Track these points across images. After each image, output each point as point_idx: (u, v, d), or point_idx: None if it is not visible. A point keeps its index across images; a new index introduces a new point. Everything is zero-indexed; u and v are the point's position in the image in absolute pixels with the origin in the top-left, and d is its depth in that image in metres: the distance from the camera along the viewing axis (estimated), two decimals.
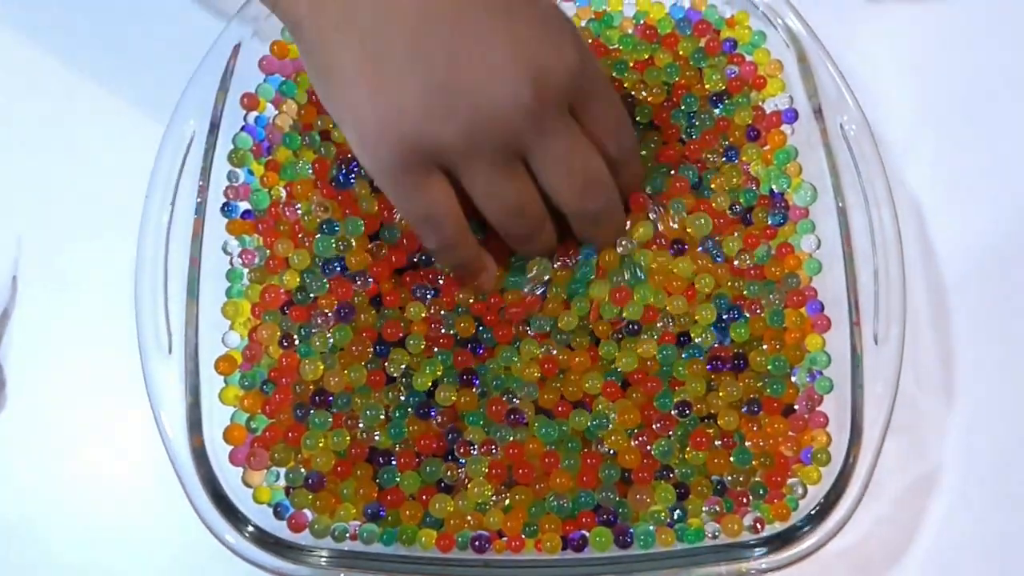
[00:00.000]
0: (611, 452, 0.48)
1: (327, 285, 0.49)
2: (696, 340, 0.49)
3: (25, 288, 0.58)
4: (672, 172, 0.52)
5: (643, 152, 0.52)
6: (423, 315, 0.49)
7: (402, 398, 0.48)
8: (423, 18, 0.41)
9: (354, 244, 0.50)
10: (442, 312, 0.49)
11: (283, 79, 0.54)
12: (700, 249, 0.50)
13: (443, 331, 0.49)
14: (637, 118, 0.53)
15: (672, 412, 0.48)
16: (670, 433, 0.48)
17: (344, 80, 0.43)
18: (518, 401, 0.48)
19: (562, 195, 0.46)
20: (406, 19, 0.42)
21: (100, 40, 0.63)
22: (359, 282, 0.50)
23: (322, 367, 0.48)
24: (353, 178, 0.52)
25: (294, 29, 0.44)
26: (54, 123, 0.61)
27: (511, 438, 0.47)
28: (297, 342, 0.49)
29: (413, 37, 0.41)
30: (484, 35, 0.41)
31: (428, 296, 0.50)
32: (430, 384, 0.48)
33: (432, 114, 0.42)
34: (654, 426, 0.48)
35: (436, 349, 0.49)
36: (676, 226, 0.51)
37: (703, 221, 0.50)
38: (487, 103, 0.41)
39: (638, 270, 0.50)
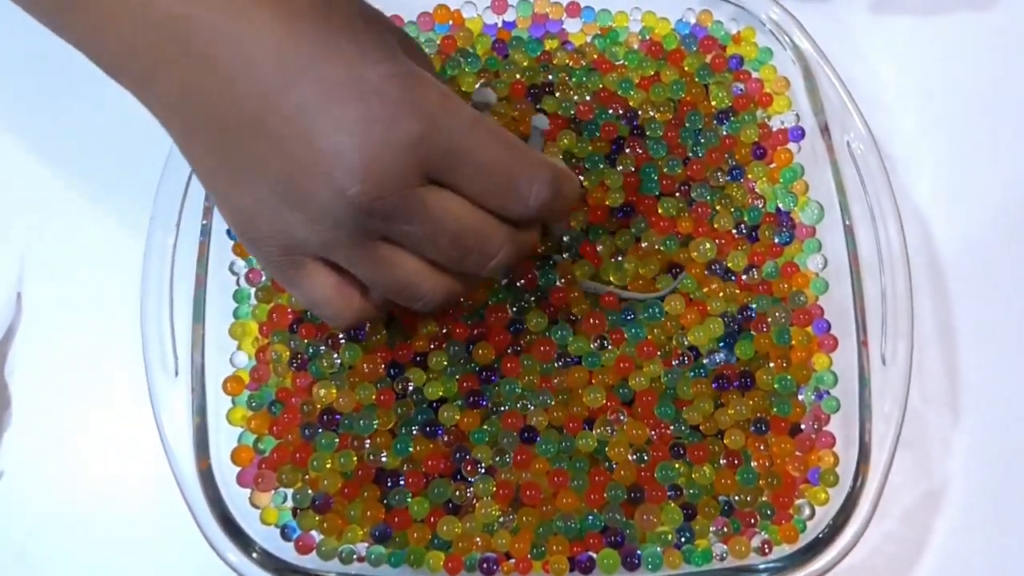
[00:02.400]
0: (614, 465, 0.48)
1: None
2: (704, 360, 0.50)
3: (30, 305, 0.58)
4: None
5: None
6: (441, 331, 0.49)
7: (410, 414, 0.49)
8: (245, 121, 0.38)
9: None
10: (454, 348, 0.49)
11: None
12: (707, 273, 0.51)
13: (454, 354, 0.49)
14: (648, 133, 0.53)
15: (670, 429, 0.48)
16: (675, 447, 0.48)
17: (197, 172, 0.42)
18: (532, 408, 0.48)
19: (440, 262, 0.42)
20: (226, 122, 0.39)
21: None
22: None
23: (335, 391, 0.48)
24: None
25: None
26: (59, 138, 0.61)
27: (510, 457, 0.47)
28: (307, 360, 0.49)
29: (239, 143, 0.39)
30: (307, 135, 0.37)
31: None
32: (440, 394, 0.48)
33: (277, 218, 0.39)
34: (651, 434, 0.48)
35: (447, 365, 0.49)
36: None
37: (707, 246, 0.50)
38: (319, 206, 0.38)
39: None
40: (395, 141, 0.37)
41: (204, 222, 0.51)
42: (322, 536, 0.47)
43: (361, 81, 0.37)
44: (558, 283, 0.50)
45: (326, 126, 0.37)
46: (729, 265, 0.51)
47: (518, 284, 0.51)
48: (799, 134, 0.53)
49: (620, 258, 0.51)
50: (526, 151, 0.41)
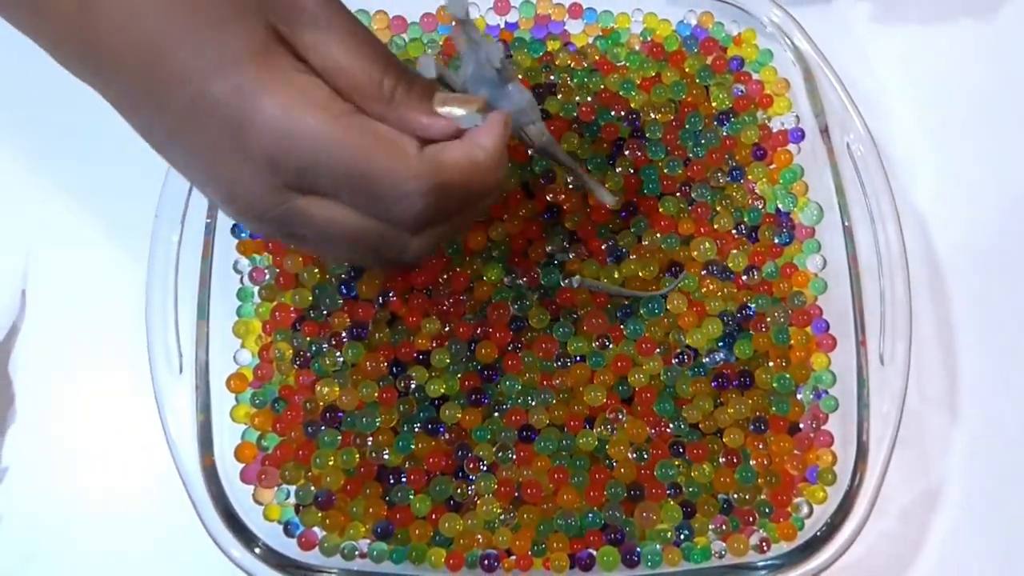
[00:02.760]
0: (614, 463, 0.48)
1: (340, 301, 0.50)
2: (703, 359, 0.50)
3: (34, 302, 0.58)
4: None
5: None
6: (444, 329, 0.50)
7: (412, 412, 0.49)
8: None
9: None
10: (456, 346, 0.50)
11: None
12: (704, 272, 0.51)
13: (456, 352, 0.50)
14: (647, 134, 0.53)
15: (668, 428, 0.49)
16: (675, 445, 0.49)
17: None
18: (533, 405, 0.49)
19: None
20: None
21: None
22: (379, 301, 0.51)
23: (338, 389, 0.49)
24: None
25: None
26: (64, 136, 0.61)
27: (512, 453, 0.48)
28: (311, 358, 0.50)
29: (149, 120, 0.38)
30: (183, 163, 0.39)
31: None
32: (442, 391, 0.49)
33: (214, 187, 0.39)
34: (651, 432, 0.49)
35: (449, 363, 0.49)
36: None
37: (707, 245, 0.51)
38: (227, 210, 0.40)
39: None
40: (245, 163, 0.36)
41: (208, 220, 0.51)
42: (324, 532, 0.48)
43: (200, 99, 0.36)
44: (562, 283, 0.51)
45: (177, 157, 0.38)
46: (729, 265, 0.51)
47: (520, 282, 0.51)
48: (799, 135, 0.53)
49: (622, 257, 0.52)
50: (394, 158, 0.37)
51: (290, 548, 0.47)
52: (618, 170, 0.53)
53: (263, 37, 0.36)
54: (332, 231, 0.39)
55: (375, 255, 0.40)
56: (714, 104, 0.55)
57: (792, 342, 0.50)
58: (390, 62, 0.38)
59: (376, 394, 0.49)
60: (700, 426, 0.49)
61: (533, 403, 0.49)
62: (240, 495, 0.48)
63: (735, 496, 0.48)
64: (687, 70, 0.55)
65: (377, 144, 0.37)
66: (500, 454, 0.48)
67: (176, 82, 0.36)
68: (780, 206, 0.53)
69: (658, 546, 0.47)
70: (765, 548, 0.47)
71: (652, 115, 0.54)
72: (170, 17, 0.35)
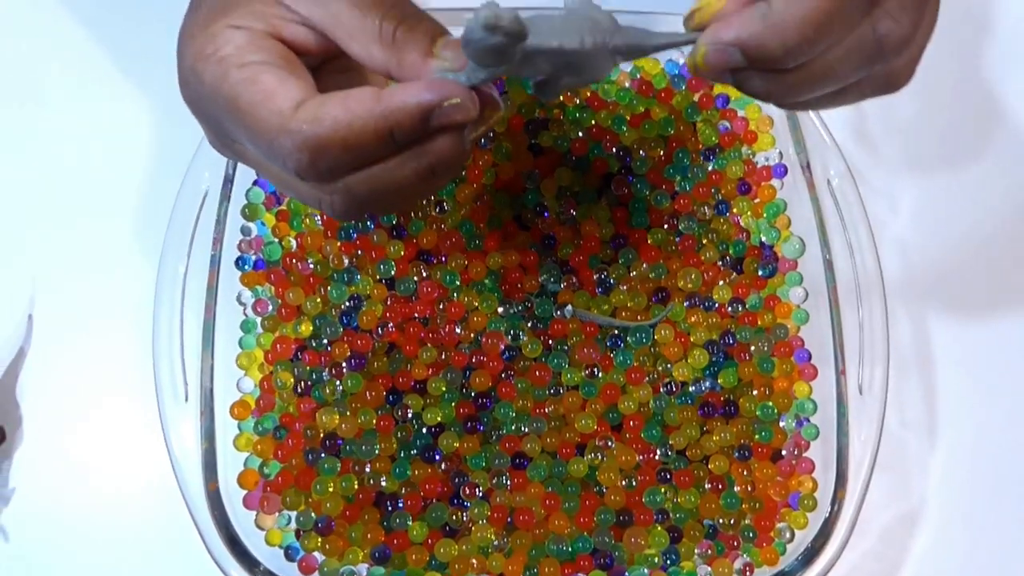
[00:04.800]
0: (604, 489, 0.50)
1: (341, 331, 0.52)
2: (690, 388, 0.52)
3: (41, 327, 0.59)
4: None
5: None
6: (440, 358, 0.51)
7: (409, 439, 0.50)
8: None
9: (369, 295, 0.52)
10: (451, 374, 0.51)
11: None
12: (687, 304, 0.53)
13: (451, 380, 0.51)
14: (636, 169, 0.55)
15: (656, 455, 0.50)
16: (662, 472, 0.50)
17: None
18: (526, 432, 0.50)
19: None
20: None
21: (122, 85, 0.63)
22: (378, 332, 0.52)
23: (337, 417, 0.50)
24: (371, 224, 0.54)
25: None
26: (73, 164, 0.62)
27: (507, 478, 0.49)
28: (311, 386, 0.51)
29: None
30: None
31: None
32: (439, 419, 0.50)
33: None
34: (639, 458, 0.50)
35: (445, 391, 0.51)
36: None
37: (693, 276, 0.52)
38: None
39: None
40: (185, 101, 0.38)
41: (213, 252, 0.52)
42: (324, 557, 0.49)
43: (181, 34, 0.38)
44: (555, 314, 0.52)
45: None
46: (714, 296, 0.53)
47: (514, 312, 0.53)
48: (782, 171, 0.55)
49: (611, 287, 0.53)
50: (266, 111, 0.35)
51: (291, 572, 0.49)
52: (604, 203, 0.54)
53: None
54: (262, 172, 0.39)
55: (305, 199, 0.39)
56: (701, 140, 0.56)
57: (775, 371, 0.52)
58: (391, 5, 0.36)
59: (374, 422, 0.50)
60: (686, 453, 0.51)
61: (526, 430, 0.51)
62: (243, 520, 0.49)
63: (720, 521, 0.50)
64: (675, 107, 0.56)
65: (254, 98, 0.35)
66: (495, 480, 0.50)
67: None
68: (764, 239, 0.54)
69: (646, 570, 0.49)
70: (748, 573, 0.49)
71: (641, 151, 0.55)
72: None
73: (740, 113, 0.56)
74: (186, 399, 0.51)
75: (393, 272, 0.53)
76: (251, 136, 0.36)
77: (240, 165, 0.53)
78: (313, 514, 0.49)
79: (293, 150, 0.35)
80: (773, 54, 0.34)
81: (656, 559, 0.49)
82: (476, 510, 0.49)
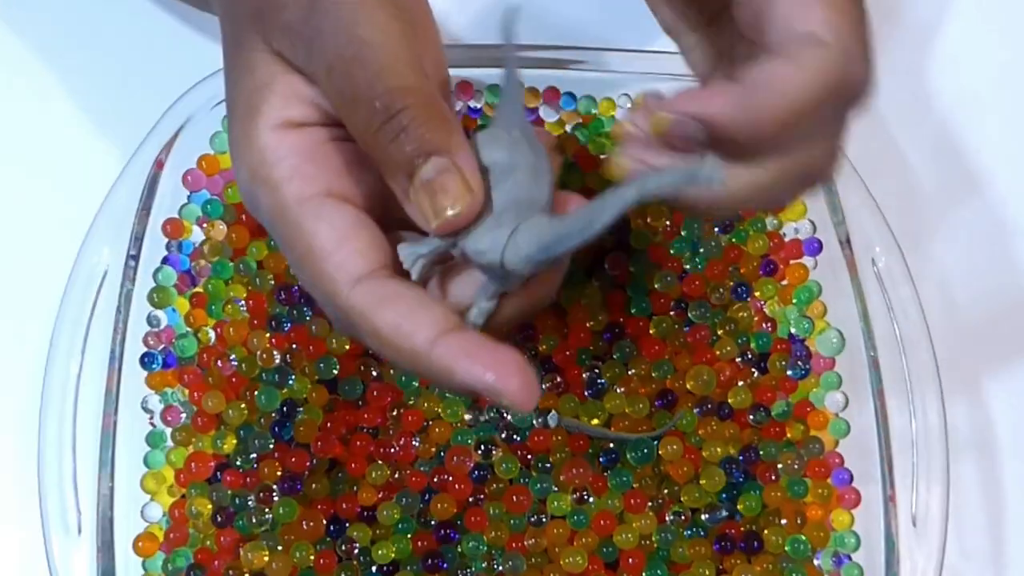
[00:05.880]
0: None
1: (271, 445, 0.45)
2: (703, 516, 0.45)
3: None
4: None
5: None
6: (393, 478, 0.45)
7: None
8: None
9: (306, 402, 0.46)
10: (406, 499, 0.45)
11: (209, 196, 0.48)
12: (697, 411, 0.46)
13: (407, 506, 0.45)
14: (635, 243, 0.48)
15: None
16: None
17: None
18: (500, 570, 0.44)
19: None
20: None
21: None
22: (317, 446, 0.45)
23: (266, 553, 0.43)
24: (308, 310, 0.47)
25: None
26: None
27: None
28: (234, 514, 0.44)
29: None
30: None
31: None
32: (392, 556, 0.44)
33: None
34: None
35: (399, 520, 0.44)
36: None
37: (706, 377, 0.46)
38: None
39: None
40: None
41: (113, 347, 0.46)
42: None
43: (229, 141, 0.36)
44: (535, 423, 0.46)
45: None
46: (732, 403, 0.46)
47: (484, 419, 0.46)
48: (816, 247, 0.48)
49: (605, 390, 0.47)
50: (323, 278, 0.34)
51: None
52: (596, 283, 0.48)
53: (262, 74, 0.34)
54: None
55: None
56: None
57: (808, 496, 0.45)
58: (376, 95, 0.32)
59: (312, 559, 0.44)
60: None
61: (500, 569, 0.44)
62: None
63: None
64: None
65: (310, 251, 0.33)
66: None
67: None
68: (793, 331, 0.48)
69: None
70: None
71: (640, 220, 0.48)
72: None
73: None
74: (79, 531, 0.45)
75: (336, 371, 0.46)
76: (301, 276, 0.34)
77: (146, 239, 0.47)
78: None
79: (337, 321, 0.35)
80: (739, 137, 0.32)
81: None
82: None
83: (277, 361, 0.46)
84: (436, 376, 0.32)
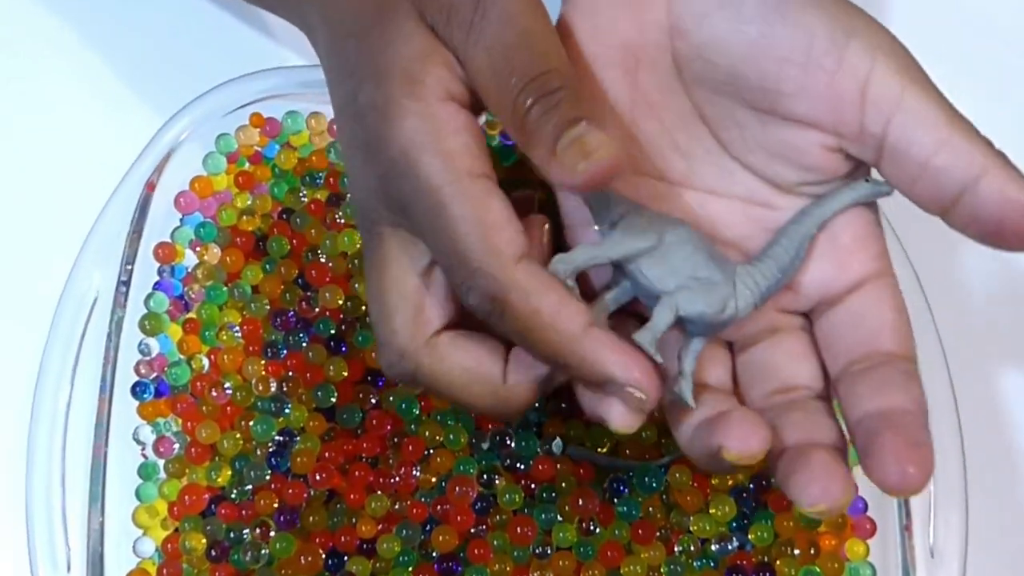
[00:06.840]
0: None
1: (267, 476, 0.44)
2: (712, 546, 0.44)
3: None
4: None
5: None
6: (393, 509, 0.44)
7: None
8: None
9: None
10: (407, 531, 0.43)
11: (202, 219, 0.47)
12: None
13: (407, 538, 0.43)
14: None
15: None
16: None
17: None
18: None
19: None
20: None
21: None
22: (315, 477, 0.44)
23: None
24: (304, 337, 0.46)
25: None
26: None
27: None
28: (229, 549, 0.43)
29: None
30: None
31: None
32: None
33: None
34: None
35: (399, 553, 0.43)
36: None
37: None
38: None
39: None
40: (361, 181, 0.36)
41: (104, 376, 0.45)
42: None
43: (351, 103, 0.36)
44: (540, 451, 0.44)
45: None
46: None
47: (485, 446, 0.45)
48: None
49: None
50: (492, 253, 0.34)
51: None
52: None
53: (421, 44, 0.35)
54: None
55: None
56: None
57: (822, 526, 0.44)
58: (532, 68, 0.33)
59: None
60: None
61: None
62: None
63: None
64: None
65: (475, 224, 0.33)
66: None
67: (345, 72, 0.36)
68: None
69: None
70: None
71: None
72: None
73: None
74: (68, 568, 0.44)
75: (334, 399, 0.45)
76: (443, 248, 0.34)
77: (137, 265, 0.46)
78: None
79: (484, 297, 0.34)
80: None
81: None
82: None
83: (273, 389, 0.45)
84: (580, 362, 0.33)
